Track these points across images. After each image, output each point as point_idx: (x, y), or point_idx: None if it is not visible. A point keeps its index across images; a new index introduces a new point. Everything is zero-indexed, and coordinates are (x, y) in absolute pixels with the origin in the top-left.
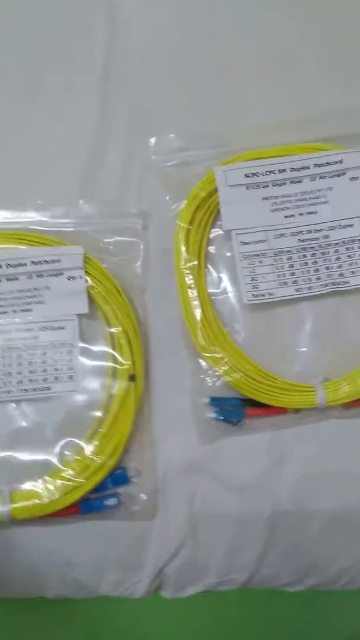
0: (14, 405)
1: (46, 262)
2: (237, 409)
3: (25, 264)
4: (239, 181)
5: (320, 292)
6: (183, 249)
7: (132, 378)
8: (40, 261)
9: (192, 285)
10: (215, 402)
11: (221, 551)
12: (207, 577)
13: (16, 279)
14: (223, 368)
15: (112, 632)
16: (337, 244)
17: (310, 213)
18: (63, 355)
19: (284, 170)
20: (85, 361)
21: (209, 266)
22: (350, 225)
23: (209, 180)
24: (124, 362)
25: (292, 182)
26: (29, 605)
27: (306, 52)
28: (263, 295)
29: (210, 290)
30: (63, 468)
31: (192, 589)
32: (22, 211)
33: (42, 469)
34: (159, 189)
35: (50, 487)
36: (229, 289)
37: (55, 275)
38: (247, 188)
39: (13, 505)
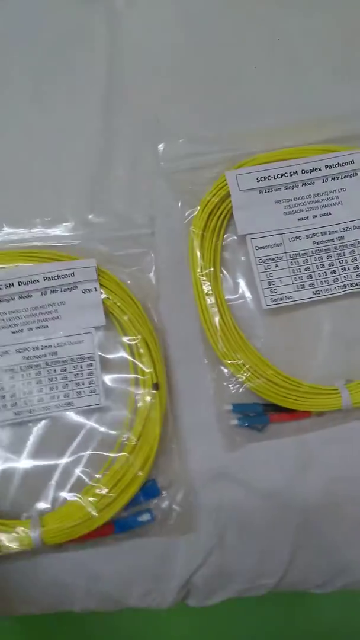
0: (38, 422)
1: (59, 277)
2: (260, 414)
3: (37, 281)
4: (251, 185)
5: (338, 294)
6: (198, 255)
7: (156, 387)
8: (53, 277)
9: (210, 292)
10: (239, 408)
11: (250, 557)
12: (235, 584)
13: (29, 296)
14: (245, 374)
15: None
16: (352, 244)
17: (323, 215)
18: (84, 369)
19: (295, 173)
20: (106, 374)
21: (224, 272)
22: None
23: (220, 185)
24: (145, 370)
25: (304, 184)
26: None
27: (314, 53)
28: (281, 299)
29: (227, 296)
30: (93, 485)
31: (219, 596)
32: (31, 228)
33: (72, 488)
34: (169, 196)
35: (82, 506)
36: (246, 294)
37: (70, 289)
38: (260, 192)
39: (44, 529)
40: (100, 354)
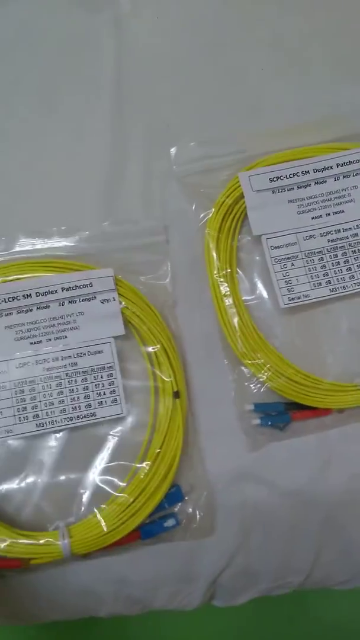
0: (61, 433)
1: (77, 287)
2: (282, 413)
3: (55, 291)
4: (264, 186)
5: (354, 291)
6: (214, 257)
7: (176, 395)
8: (71, 287)
9: (227, 293)
10: (260, 408)
11: (275, 556)
12: (261, 583)
13: (47, 306)
14: (265, 374)
15: None
16: None
17: (337, 213)
18: (104, 379)
19: (307, 172)
20: (127, 382)
21: (239, 272)
22: None
23: (233, 186)
24: (165, 379)
25: (316, 183)
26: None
27: (321, 52)
28: (299, 297)
29: (243, 296)
30: (118, 495)
31: (245, 596)
32: (47, 238)
33: (97, 498)
34: (182, 199)
35: (108, 515)
36: (262, 294)
37: (89, 299)
38: (273, 192)
39: (72, 539)
40: (119, 364)
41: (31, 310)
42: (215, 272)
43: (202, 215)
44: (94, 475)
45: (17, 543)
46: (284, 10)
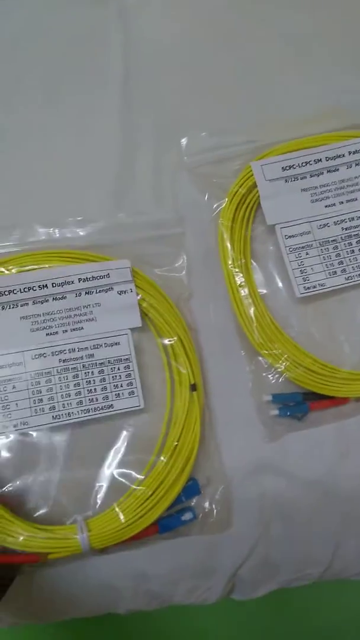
0: (77, 426)
1: (94, 278)
2: (300, 403)
3: (72, 282)
4: (277, 175)
5: None
6: (229, 247)
7: (193, 388)
8: (88, 278)
9: (243, 284)
10: (278, 398)
11: (295, 547)
12: (281, 575)
13: (64, 297)
14: (283, 364)
15: None
16: None
17: (350, 201)
18: (121, 371)
19: (319, 160)
20: (143, 375)
21: (253, 263)
22: None
23: (246, 176)
24: (182, 371)
25: (328, 171)
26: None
27: (331, 42)
28: (314, 287)
29: (258, 287)
30: (136, 488)
31: (264, 588)
32: (62, 228)
33: (114, 491)
34: (194, 190)
35: (127, 509)
36: (277, 284)
37: (105, 291)
38: (286, 181)
39: (90, 533)
40: (136, 355)
41: (47, 301)
42: (229, 262)
43: (215, 205)
44: (111, 468)
45: (35, 537)
46: (292, 1)
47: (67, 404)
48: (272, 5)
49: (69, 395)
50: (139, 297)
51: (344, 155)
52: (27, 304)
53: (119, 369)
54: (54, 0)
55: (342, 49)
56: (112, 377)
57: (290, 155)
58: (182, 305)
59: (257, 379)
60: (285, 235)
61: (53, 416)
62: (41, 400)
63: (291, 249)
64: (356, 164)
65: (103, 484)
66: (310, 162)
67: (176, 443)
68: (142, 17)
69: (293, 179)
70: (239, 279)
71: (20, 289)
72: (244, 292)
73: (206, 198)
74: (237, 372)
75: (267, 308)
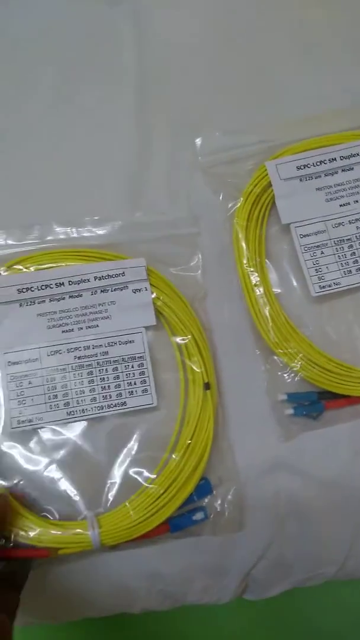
0: (89, 423)
1: (110, 276)
2: (315, 402)
3: (88, 280)
4: (292, 174)
5: None
6: (244, 247)
7: (207, 387)
8: (103, 276)
9: (258, 283)
10: (293, 398)
11: (309, 547)
12: (295, 575)
13: (80, 295)
14: (298, 363)
15: None
16: None
17: None
18: (135, 368)
19: (334, 160)
20: (157, 373)
21: (268, 262)
22: None
23: (260, 175)
24: (196, 370)
25: (343, 170)
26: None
27: (344, 40)
28: (330, 285)
29: (273, 286)
30: (148, 486)
31: (278, 588)
32: (80, 227)
33: (126, 489)
34: (209, 189)
35: (138, 506)
36: (292, 283)
37: (120, 289)
38: (300, 180)
39: (101, 530)
40: (150, 353)
41: (63, 298)
42: (245, 262)
43: (229, 205)
44: (124, 465)
45: (47, 532)
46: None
47: (81, 400)
48: (287, 3)
49: (83, 392)
50: (153, 296)
51: (358, 154)
52: (44, 301)
53: (132, 366)
54: (71, 0)
55: (356, 48)
56: (126, 374)
57: (304, 155)
58: (196, 305)
59: (272, 378)
60: (300, 234)
61: (67, 412)
62: (56, 396)
63: (306, 248)
64: None
65: (115, 481)
66: (325, 162)
67: (189, 442)
68: (157, 17)
69: (308, 178)
70: (254, 278)
71: (37, 287)
72: (259, 291)
73: (221, 198)
74: (251, 372)
75: (282, 307)
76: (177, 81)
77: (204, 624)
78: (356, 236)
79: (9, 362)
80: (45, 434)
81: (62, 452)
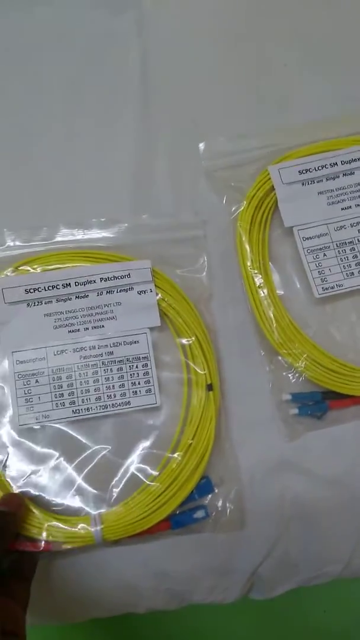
0: (94, 421)
1: (115, 277)
2: (319, 402)
3: (94, 281)
4: (294, 178)
5: None
6: (247, 249)
7: (209, 388)
8: (109, 277)
9: (262, 285)
10: (298, 398)
11: (315, 546)
12: (300, 574)
13: (86, 296)
14: (302, 364)
15: None
16: None
17: None
18: (139, 369)
19: (335, 164)
20: (161, 374)
21: (271, 264)
22: None
23: (263, 179)
24: (199, 372)
25: (344, 174)
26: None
27: (347, 45)
28: (332, 287)
29: (276, 287)
30: (150, 483)
31: (283, 587)
32: (86, 229)
33: (128, 486)
34: (213, 193)
35: (140, 503)
36: (295, 285)
37: (126, 290)
38: (302, 184)
39: (103, 525)
40: (154, 354)
41: (70, 299)
42: (249, 264)
43: (233, 208)
44: (127, 463)
45: (51, 527)
46: (309, 3)
47: (87, 399)
48: (290, 9)
49: (89, 391)
50: (158, 297)
51: (359, 159)
52: (51, 301)
53: (137, 367)
54: (75, 8)
55: (358, 54)
56: (130, 374)
57: (306, 159)
58: (201, 306)
59: (276, 379)
60: (303, 237)
61: (73, 410)
62: (62, 394)
63: (309, 251)
64: None
65: (118, 478)
66: (326, 166)
67: (191, 441)
68: (160, 24)
69: (310, 182)
70: (258, 280)
71: (44, 287)
72: (262, 293)
73: (224, 201)
74: (255, 373)
75: (285, 309)
76: (181, 87)
77: (207, 626)
78: (358, 239)
79: (17, 360)
80: (52, 431)
81: (67, 450)
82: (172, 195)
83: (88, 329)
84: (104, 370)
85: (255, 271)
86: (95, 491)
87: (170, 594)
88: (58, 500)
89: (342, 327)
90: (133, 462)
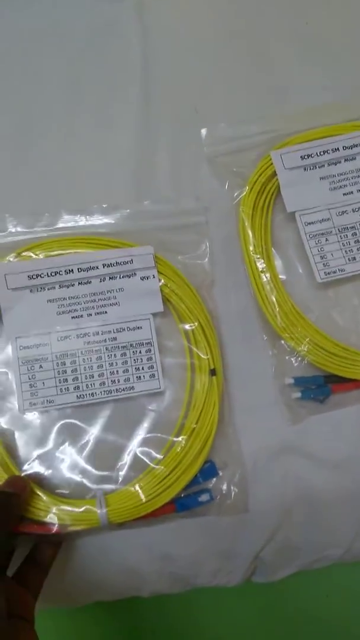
0: (98, 406)
1: (118, 263)
2: (322, 386)
3: (97, 267)
4: (296, 163)
5: None
6: (250, 234)
7: (213, 373)
8: (112, 263)
9: (264, 270)
10: (300, 382)
11: (316, 529)
12: (303, 557)
13: (89, 282)
14: (305, 348)
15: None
16: None
17: None
18: (143, 354)
19: (337, 149)
20: (164, 359)
21: (273, 249)
22: None
23: (265, 165)
24: (202, 357)
25: (346, 160)
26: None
27: (349, 31)
28: (334, 272)
29: (279, 272)
30: (155, 466)
31: (285, 571)
32: (88, 215)
33: (134, 469)
34: (215, 179)
35: (145, 486)
36: (297, 269)
37: (129, 276)
38: (304, 169)
39: (109, 508)
40: (157, 339)
41: (73, 285)
42: (251, 249)
43: (235, 194)
44: (132, 447)
45: (58, 509)
46: None
47: (91, 384)
48: None
49: (93, 376)
50: (161, 283)
51: None
52: (54, 287)
53: (140, 352)
54: None
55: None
56: (134, 360)
57: (308, 145)
58: (204, 292)
59: (279, 363)
60: (305, 222)
61: (77, 395)
62: (66, 380)
63: (311, 235)
64: None
65: (124, 461)
66: (328, 151)
67: (194, 425)
68: (160, 10)
69: (311, 168)
70: (260, 265)
71: (47, 273)
72: (265, 278)
73: (226, 187)
74: (258, 358)
75: (288, 293)
76: (182, 73)
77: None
78: (359, 224)
79: (21, 346)
80: (56, 416)
81: (72, 434)
82: (174, 182)
83: (91, 314)
84: (108, 355)
85: (258, 256)
86: (100, 474)
87: (174, 578)
88: (63, 483)
89: (345, 311)
90: (138, 446)
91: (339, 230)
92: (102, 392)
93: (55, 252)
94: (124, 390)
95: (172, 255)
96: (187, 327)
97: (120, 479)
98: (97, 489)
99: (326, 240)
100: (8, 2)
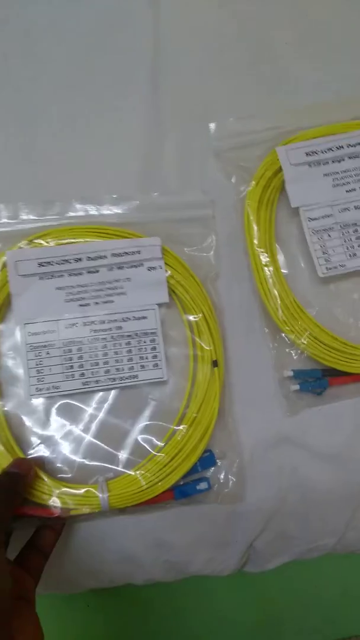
0: (102, 393)
1: (126, 253)
2: (320, 379)
3: (105, 257)
4: (301, 160)
5: None
6: (255, 229)
7: (215, 364)
8: (120, 253)
9: (267, 263)
10: (299, 374)
11: (310, 520)
12: (296, 547)
13: (97, 271)
14: (305, 341)
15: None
16: None
17: None
18: (147, 344)
19: (341, 147)
20: (168, 349)
21: (277, 244)
22: None
23: (271, 160)
24: (205, 348)
25: (350, 157)
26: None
27: (355, 28)
28: (336, 267)
29: (281, 267)
30: (156, 454)
31: (278, 560)
32: (98, 205)
33: (135, 455)
34: (222, 173)
35: (146, 473)
36: (300, 264)
37: (136, 266)
38: (309, 166)
39: (110, 493)
40: (162, 329)
41: (81, 273)
42: (255, 242)
43: (242, 188)
44: (134, 434)
45: (60, 493)
46: None
47: (96, 372)
48: None
49: (98, 364)
50: (167, 274)
51: None
52: (63, 275)
53: (145, 341)
54: None
55: None
56: (139, 349)
57: (313, 142)
58: (208, 284)
59: (279, 356)
60: (308, 218)
61: (82, 382)
62: (72, 367)
63: (314, 231)
64: None
65: (125, 448)
66: (333, 149)
67: (195, 415)
68: (172, 2)
69: (316, 164)
70: (264, 258)
71: (57, 261)
72: (268, 271)
73: (233, 181)
74: (258, 351)
75: (290, 287)
76: (192, 67)
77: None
78: None
79: (29, 332)
80: (62, 402)
81: (76, 420)
82: (182, 175)
83: (98, 303)
84: (113, 344)
85: (262, 250)
86: (102, 460)
87: (169, 565)
88: (66, 468)
89: (345, 306)
90: (140, 433)
91: (341, 227)
92: (107, 380)
93: (66, 241)
94: (128, 378)
95: (178, 247)
96: (191, 318)
97: (122, 465)
98: (99, 475)
99: (328, 236)
100: None
